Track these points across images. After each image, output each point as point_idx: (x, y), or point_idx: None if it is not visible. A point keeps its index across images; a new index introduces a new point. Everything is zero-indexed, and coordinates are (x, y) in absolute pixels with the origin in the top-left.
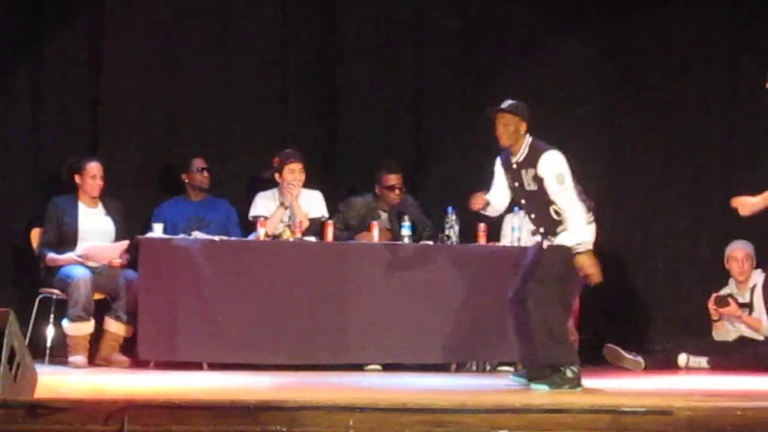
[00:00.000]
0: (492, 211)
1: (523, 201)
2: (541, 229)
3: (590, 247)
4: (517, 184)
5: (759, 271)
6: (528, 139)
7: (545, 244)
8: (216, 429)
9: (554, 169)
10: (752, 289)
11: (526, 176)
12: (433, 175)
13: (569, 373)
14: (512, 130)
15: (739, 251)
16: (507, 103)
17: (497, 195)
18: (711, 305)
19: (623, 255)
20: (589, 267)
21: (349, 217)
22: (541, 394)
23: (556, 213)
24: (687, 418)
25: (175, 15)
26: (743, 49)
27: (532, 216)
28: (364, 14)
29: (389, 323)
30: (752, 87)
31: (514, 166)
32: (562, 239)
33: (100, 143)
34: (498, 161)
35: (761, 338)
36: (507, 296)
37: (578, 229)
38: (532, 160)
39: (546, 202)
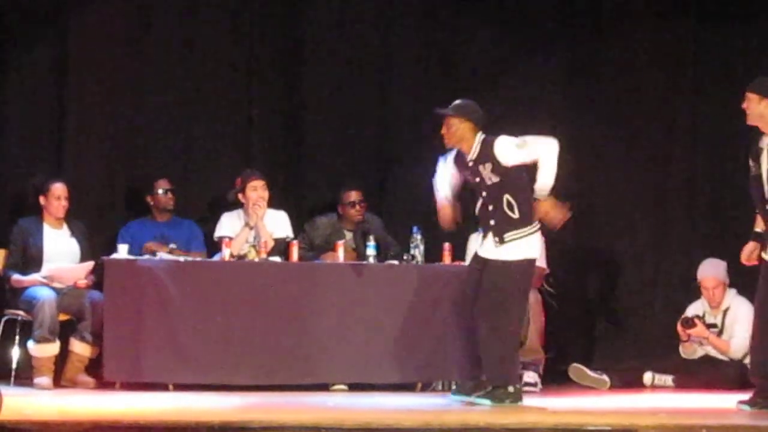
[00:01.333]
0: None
1: (484, 194)
2: (492, 222)
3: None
4: (477, 179)
5: (734, 292)
6: (480, 137)
7: (492, 254)
8: None
9: (511, 144)
10: (725, 312)
11: (485, 171)
12: (398, 195)
13: (511, 389)
14: (453, 131)
15: (709, 280)
16: (452, 106)
17: (448, 188)
18: (679, 327)
19: (587, 273)
20: (552, 211)
21: (314, 236)
22: (503, 412)
23: (509, 206)
24: None
25: (139, 35)
26: (705, 64)
27: (490, 208)
28: (330, 35)
29: (355, 343)
30: (714, 94)
31: (470, 164)
32: (540, 185)
33: (64, 164)
34: (447, 159)
35: (726, 358)
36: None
37: (549, 170)
38: (486, 154)
39: (501, 194)
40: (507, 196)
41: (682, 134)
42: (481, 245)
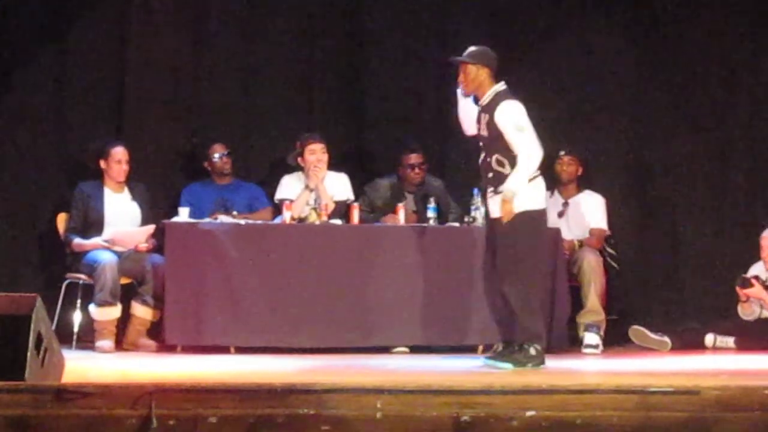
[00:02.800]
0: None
1: (481, 144)
2: (489, 174)
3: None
4: (478, 125)
5: None
6: (497, 87)
7: (497, 212)
8: (243, 412)
9: (512, 119)
10: None
11: (483, 120)
12: (459, 156)
13: (532, 351)
14: (472, 78)
15: (767, 239)
16: (468, 53)
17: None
18: (737, 287)
19: (649, 234)
20: (507, 212)
21: (374, 199)
22: (567, 374)
23: (498, 163)
24: (715, 398)
25: (200, 0)
26: (766, 27)
27: (486, 158)
28: None
29: (416, 305)
30: None
31: (479, 108)
32: (508, 186)
33: (125, 128)
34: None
35: None
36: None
37: (522, 175)
38: (491, 106)
39: (493, 150)
40: (497, 156)
41: (744, 92)
42: (490, 204)
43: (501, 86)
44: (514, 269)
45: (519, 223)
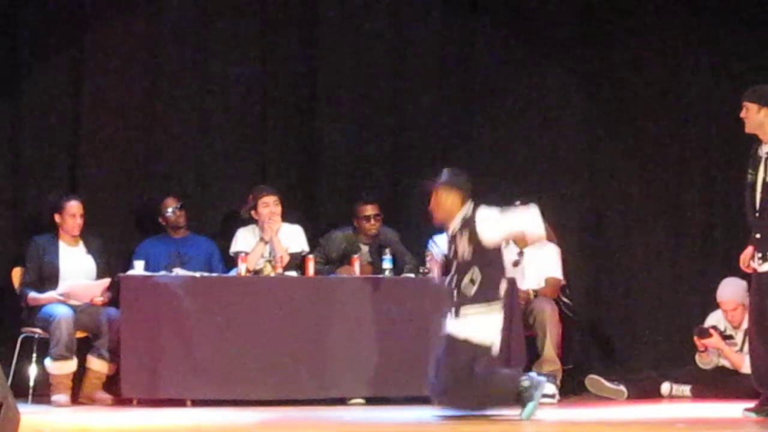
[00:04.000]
0: None
1: (454, 267)
2: (454, 296)
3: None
4: (452, 253)
5: None
6: (468, 206)
7: (450, 327)
8: None
9: (492, 223)
10: (746, 332)
11: (460, 242)
12: (414, 208)
13: None
14: (447, 205)
15: (728, 303)
16: (444, 177)
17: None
18: (695, 337)
19: (605, 284)
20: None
21: (330, 251)
22: (523, 424)
23: (471, 280)
24: None
25: (153, 54)
26: (719, 76)
27: (455, 279)
28: (344, 48)
29: (372, 357)
30: (729, 113)
31: (450, 237)
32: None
33: (79, 182)
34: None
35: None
36: None
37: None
38: (467, 224)
39: (470, 267)
40: (471, 274)
41: (699, 140)
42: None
43: (470, 205)
44: (451, 390)
45: (462, 347)
